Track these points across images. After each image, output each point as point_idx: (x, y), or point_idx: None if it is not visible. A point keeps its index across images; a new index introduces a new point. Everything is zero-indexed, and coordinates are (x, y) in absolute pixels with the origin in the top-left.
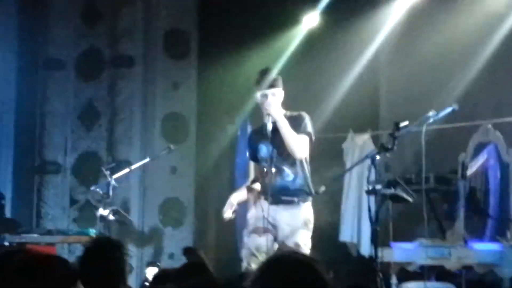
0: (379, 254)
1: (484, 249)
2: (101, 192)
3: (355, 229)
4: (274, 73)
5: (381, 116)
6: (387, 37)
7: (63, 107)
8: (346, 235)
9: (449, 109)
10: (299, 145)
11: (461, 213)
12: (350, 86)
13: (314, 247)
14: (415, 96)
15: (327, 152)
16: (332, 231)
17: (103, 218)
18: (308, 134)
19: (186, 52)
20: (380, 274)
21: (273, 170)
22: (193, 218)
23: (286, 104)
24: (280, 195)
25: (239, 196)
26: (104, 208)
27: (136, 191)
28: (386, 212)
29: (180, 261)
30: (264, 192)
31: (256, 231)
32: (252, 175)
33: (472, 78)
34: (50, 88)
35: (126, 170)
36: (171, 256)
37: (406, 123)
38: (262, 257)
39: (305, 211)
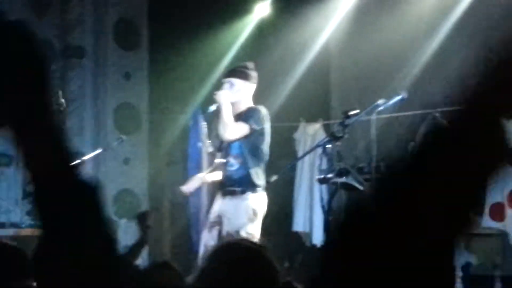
0: None
1: None
2: None
3: (307, 219)
4: (247, 65)
5: (332, 105)
6: (338, 26)
7: None
8: (298, 224)
9: (398, 97)
10: (229, 128)
11: None
12: (301, 75)
13: (267, 236)
14: (366, 85)
15: (278, 142)
16: (285, 221)
17: None
18: (247, 122)
19: (137, 42)
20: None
21: (223, 160)
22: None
23: None
24: (226, 186)
25: (198, 181)
26: None
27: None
28: (339, 202)
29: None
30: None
31: (208, 225)
32: (205, 166)
33: (423, 67)
34: None
35: (78, 162)
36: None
37: (356, 111)
38: None
39: (252, 202)
